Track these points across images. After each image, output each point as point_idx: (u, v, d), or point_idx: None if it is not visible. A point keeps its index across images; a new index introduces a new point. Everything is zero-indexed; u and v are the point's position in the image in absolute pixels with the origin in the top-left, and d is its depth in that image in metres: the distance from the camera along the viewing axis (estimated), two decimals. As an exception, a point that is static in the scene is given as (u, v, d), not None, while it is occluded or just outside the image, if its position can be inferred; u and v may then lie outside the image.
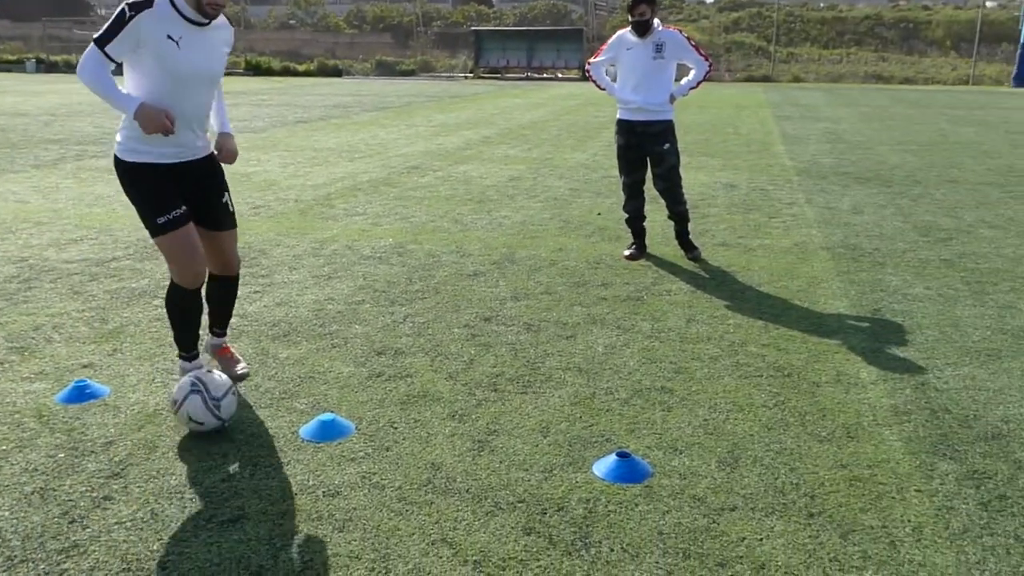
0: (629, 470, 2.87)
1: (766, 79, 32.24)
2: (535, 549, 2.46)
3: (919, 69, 34.73)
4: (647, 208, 5.83)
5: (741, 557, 2.43)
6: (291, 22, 48.88)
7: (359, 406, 3.40)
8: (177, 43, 3.04)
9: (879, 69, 34.73)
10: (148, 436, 3.11)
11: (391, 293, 4.89)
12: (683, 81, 5.57)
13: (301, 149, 11.10)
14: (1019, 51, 29.08)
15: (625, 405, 3.42)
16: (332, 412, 3.28)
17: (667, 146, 5.49)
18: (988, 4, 40.49)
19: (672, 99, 5.45)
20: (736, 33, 39.85)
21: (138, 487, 2.76)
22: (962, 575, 2.35)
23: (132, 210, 3.22)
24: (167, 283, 3.40)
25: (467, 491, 2.77)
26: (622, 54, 5.48)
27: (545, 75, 32.65)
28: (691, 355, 3.96)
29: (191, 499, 2.70)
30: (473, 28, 37.52)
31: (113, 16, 2.97)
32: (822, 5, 43.47)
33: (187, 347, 3.49)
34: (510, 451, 3.04)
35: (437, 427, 3.22)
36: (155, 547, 2.45)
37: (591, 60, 5.74)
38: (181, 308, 3.37)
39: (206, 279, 3.41)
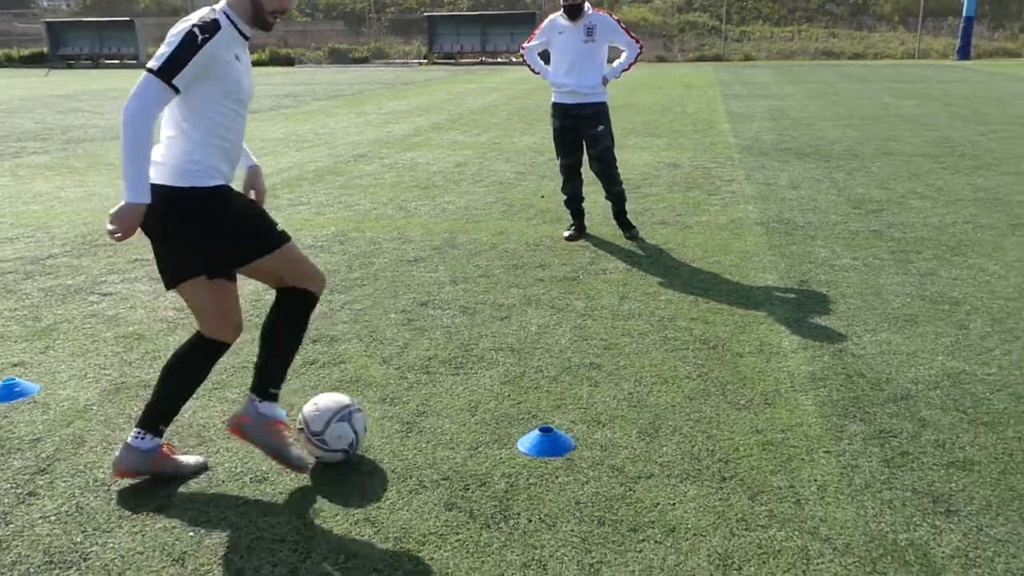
0: (552, 444, 2.95)
1: (718, 58, 32.52)
2: (455, 523, 2.54)
3: (868, 44, 35.28)
4: (586, 189, 5.91)
5: (653, 522, 2.53)
6: (241, 11, 48.02)
7: (291, 393, 3.43)
8: (240, 63, 2.62)
9: (829, 45, 35.20)
10: (77, 432, 3.12)
11: (330, 281, 4.91)
12: (615, 63, 5.65)
13: (248, 140, 10.90)
14: (962, 24, 29.65)
15: (553, 382, 3.51)
16: (263, 400, 3.31)
17: (601, 128, 5.58)
18: (934, -22, 41.18)
19: (605, 81, 5.54)
20: (689, 13, 40.09)
21: (64, 482, 2.78)
22: (860, 527, 2.48)
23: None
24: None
25: (393, 471, 2.84)
26: (554, 38, 5.55)
27: (499, 59, 32.59)
28: (621, 331, 4.06)
29: (117, 492, 2.73)
30: (426, 14, 37.26)
31: (179, 41, 2.45)
32: (773, -18, 43.80)
33: (171, 419, 2.82)
34: (438, 431, 3.11)
35: (367, 411, 3.27)
36: (78, 539, 2.48)
37: (525, 44, 5.80)
38: (203, 371, 2.80)
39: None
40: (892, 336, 3.92)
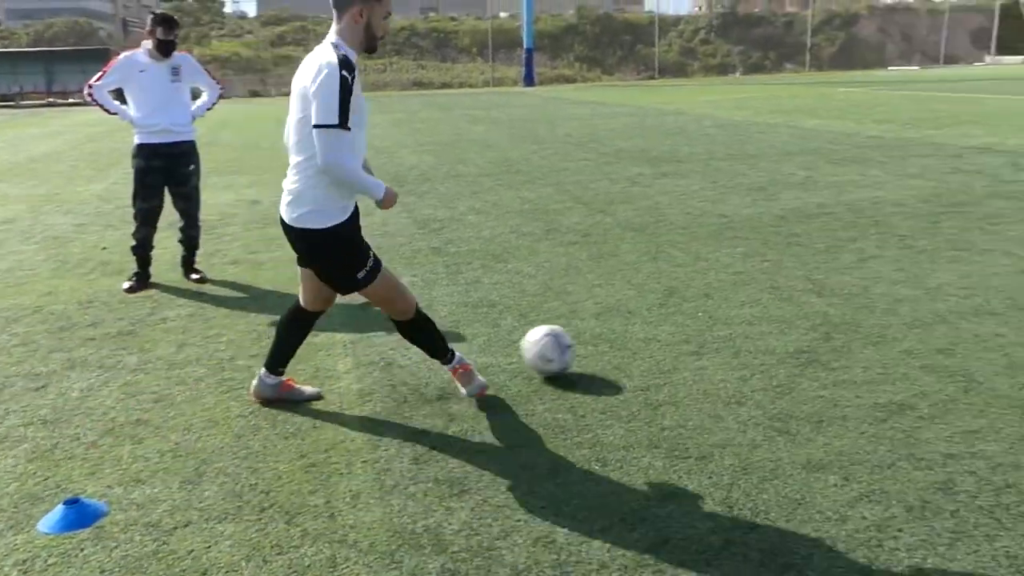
0: (77, 516, 2.75)
1: (315, 91, 32.95)
2: (-53, 632, 2.25)
3: (454, 74, 38.44)
4: (157, 236, 5.63)
5: (186, 570, 2.49)
6: None
7: None
8: (358, 89, 3.06)
9: (419, 76, 37.69)
10: None
11: None
12: (199, 103, 5.71)
13: None
14: (524, 55, 33.73)
15: (91, 448, 3.27)
16: None
17: (192, 166, 5.58)
18: (501, 15, 46.22)
19: (192, 119, 5.46)
20: (282, 47, 40.09)
21: None
22: (385, 525, 2.69)
23: None
24: None
25: None
26: (134, 76, 5.33)
27: (71, 100, 29.48)
28: (176, 380, 3.93)
29: None
30: (-27, 50, 32.43)
31: (338, 88, 2.89)
32: (360, 18, 45.60)
33: (447, 350, 3.59)
34: (-63, 532, 2.72)
35: None
36: None
37: (92, 83, 5.40)
38: (422, 329, 3.51)
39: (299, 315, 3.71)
40: (436, 343, 4.31)
